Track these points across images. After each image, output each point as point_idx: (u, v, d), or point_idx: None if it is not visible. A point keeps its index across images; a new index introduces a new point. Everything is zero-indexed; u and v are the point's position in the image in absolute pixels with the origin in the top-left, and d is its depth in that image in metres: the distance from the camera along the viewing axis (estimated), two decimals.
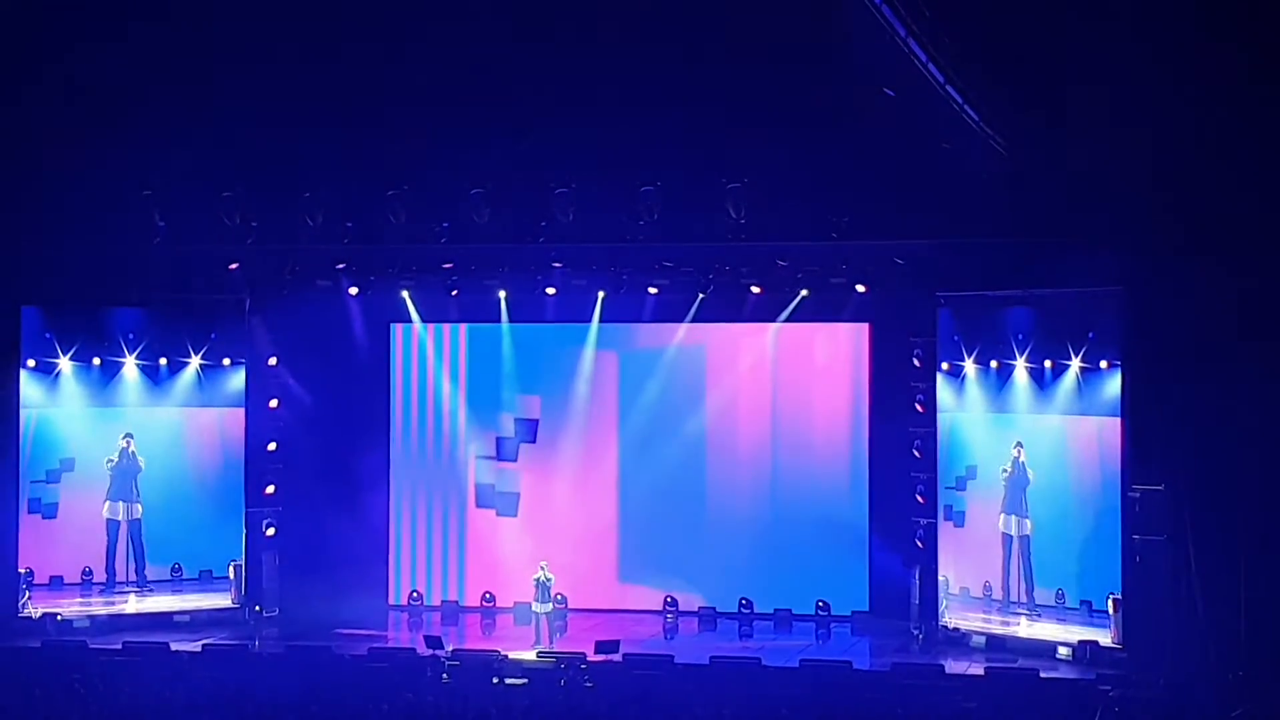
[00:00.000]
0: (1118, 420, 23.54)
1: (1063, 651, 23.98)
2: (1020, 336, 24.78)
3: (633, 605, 28.05)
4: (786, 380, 28.24)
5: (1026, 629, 24.80)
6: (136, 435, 26.92)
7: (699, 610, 27.91)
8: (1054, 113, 22.11)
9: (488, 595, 28.23)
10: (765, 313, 27.49)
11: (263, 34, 22.92)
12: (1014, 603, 25.02)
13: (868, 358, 27.71)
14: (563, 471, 28.80)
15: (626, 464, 28.62)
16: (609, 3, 22.11)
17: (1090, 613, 24.00)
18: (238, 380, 27.25)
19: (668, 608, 27.91)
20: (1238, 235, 21.73)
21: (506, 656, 23.11)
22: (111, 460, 26.82)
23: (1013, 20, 20.92)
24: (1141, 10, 20.12)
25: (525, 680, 22.06)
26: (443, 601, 28.44)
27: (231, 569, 27.12)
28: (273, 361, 27.54)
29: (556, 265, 26.37)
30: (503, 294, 28.03)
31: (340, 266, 26.62)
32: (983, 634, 25.01)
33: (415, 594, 28.47)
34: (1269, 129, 20.90)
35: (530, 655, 23.70)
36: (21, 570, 25.96)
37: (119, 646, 23.66)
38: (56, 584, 26.37)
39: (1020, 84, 21.93)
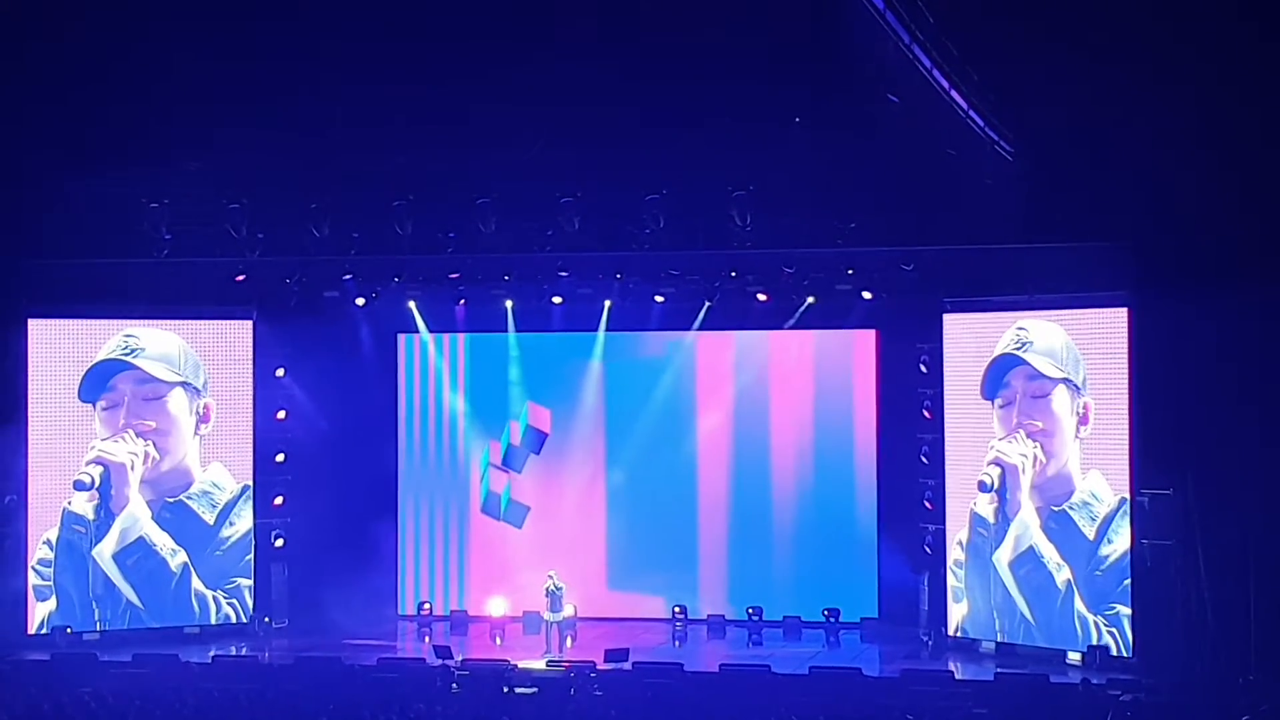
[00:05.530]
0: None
1: (1073, 657, 23.95)
2: None
3: (642, 613, 28.03)
4: (793, 387, 28.23)
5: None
6: None
7: (708, 618, 27.92)
8: (1059, 117, 22.10)
9: (496, 604, 28.21)
10: (771, 320, 27.46)
11: (268, 45, 22.94)
12: None
13: (875, 364, 27.72)
14: (571, 480, 28.80)
15: (634, 472, 28.59)
16: (615, 12, 22.12)
17: None
18: None
19: (677, 616, 27.87)
20: (1247, 240, 21.69)
21: (516, 666, 23.14)
22: None
23: (1017, 27, 20.92)
24: (1148, 18, 20.12)
25: (535, 689, 22.06)
26: (451, 611, 28.47)
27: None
28: (280, 373, 27.54)
29: (563, 274, 26.36)
30: (509, 303, 28.06)
31: (347, 277, 26.56)
32: (992, 640, 25.01)
33: (424, 604, 28.49)
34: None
35: (540, 664, 23.72)
36: None
37: (129, 659, 23.67)
38: None
39: (1025, 90, 21.93)
